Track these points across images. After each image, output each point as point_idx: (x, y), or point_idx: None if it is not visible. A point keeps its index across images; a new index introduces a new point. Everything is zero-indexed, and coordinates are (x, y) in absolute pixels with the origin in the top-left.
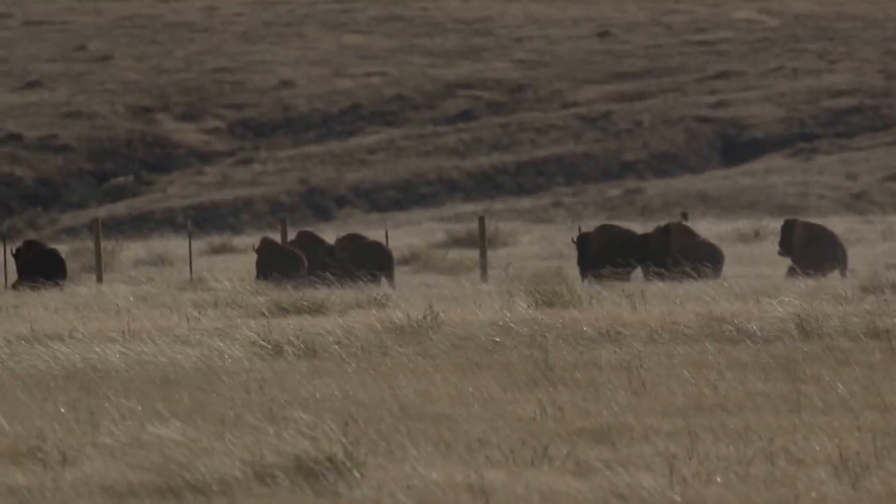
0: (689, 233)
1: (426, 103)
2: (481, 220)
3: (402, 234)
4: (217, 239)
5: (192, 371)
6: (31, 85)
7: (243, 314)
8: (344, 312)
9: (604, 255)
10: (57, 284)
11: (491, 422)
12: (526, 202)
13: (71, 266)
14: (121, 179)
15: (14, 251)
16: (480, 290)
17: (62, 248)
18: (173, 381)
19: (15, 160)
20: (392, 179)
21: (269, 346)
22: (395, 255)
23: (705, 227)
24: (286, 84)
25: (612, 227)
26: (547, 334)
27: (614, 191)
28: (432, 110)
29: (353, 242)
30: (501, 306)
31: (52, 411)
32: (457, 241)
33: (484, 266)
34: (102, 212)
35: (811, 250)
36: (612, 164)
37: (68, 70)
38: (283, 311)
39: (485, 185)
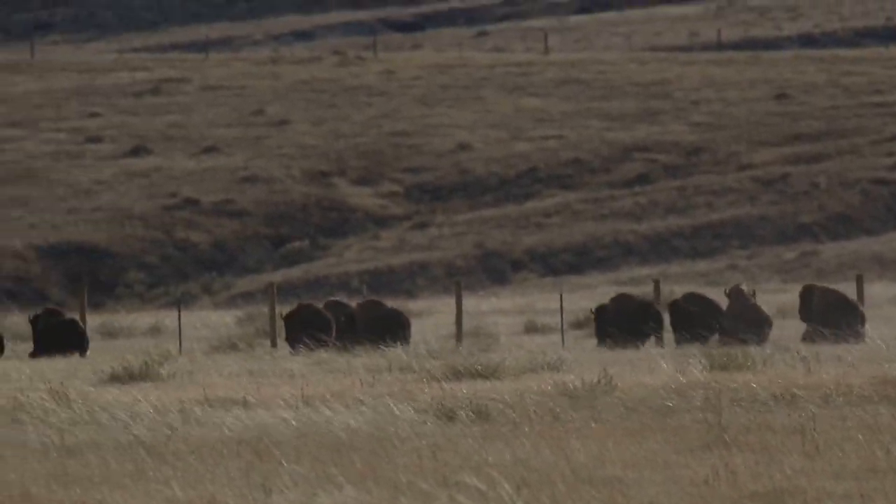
0: (744, 296)
1: (602, 166)
2: (656, 283)
3: (577, 297)
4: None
5: (365, 436)
6: (208, 150)
7: (417, 378)
8: (517, 377)
9: (620, 323)
10: (78, 355)
11: (664, 486)
12: (702, 265)
13: (245, 331)
14: (296, 244)
15: (31, 318)
16: (655, 353)
17: (236, 314)
18: (346, 446)
19: (191, 225)
20: (568, 243)
21: (443, 411)
22: (570, 318)
23: (880, 291)
24: (463, 147)
25: (629, 296)
26: (720, 397)
27: (790, 254)
28: (608, 173)
29: (372, 310)
30: (675, 370)
31: (225, 478)
32: None
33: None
34: (278, 277)
35: (829, 315)
36: (788, 227)
37: (245, 135)
38: (456, 375)
39: (660, 248)
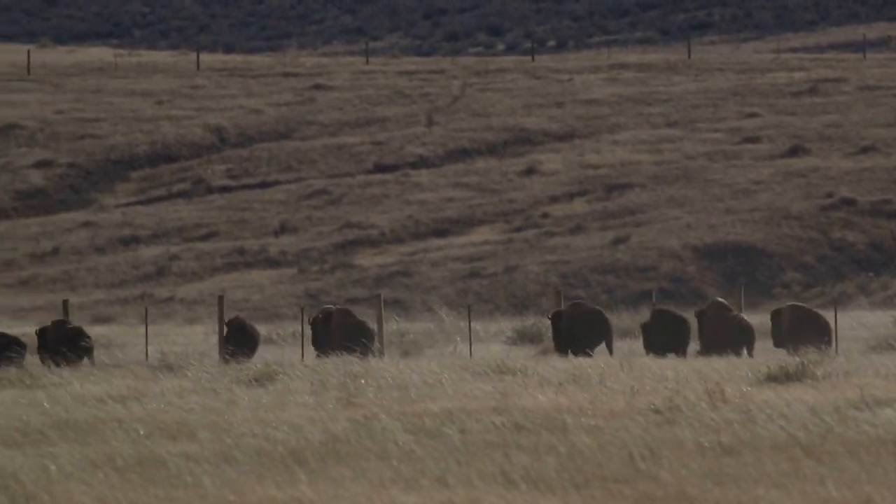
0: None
1: None
2: None
3: None
4: None
5: None
6: (866, 150)
7: None
8: None
9: (574, 331)
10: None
11: None
12: None
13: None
14: None
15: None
16: None
17: (893, 314)
18: None
19: (848, 225)
20: None
21: None
22: None
23: None
24: None
25: (583, 305)
26: None
27: None
28: None
29: (344, 320)
30: None
31: (882, 478)
32: None
33: None
34: None
35: (799, 332)
36: None
37: None
38: None
39: None
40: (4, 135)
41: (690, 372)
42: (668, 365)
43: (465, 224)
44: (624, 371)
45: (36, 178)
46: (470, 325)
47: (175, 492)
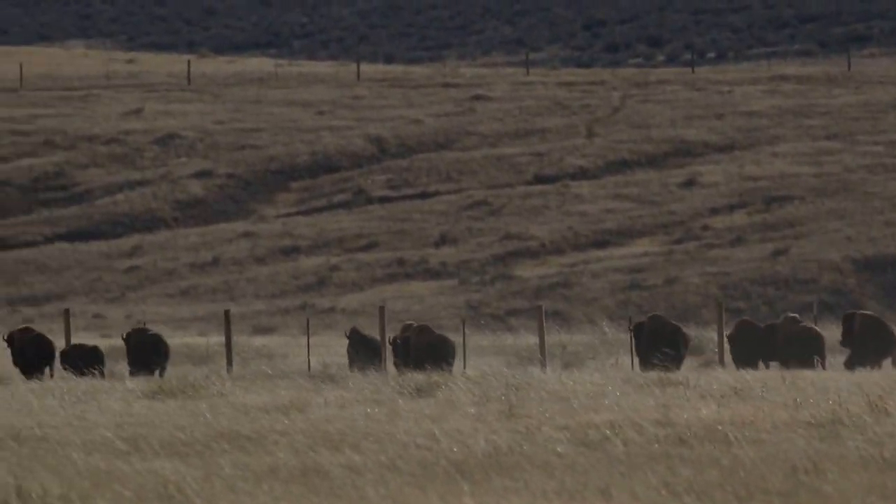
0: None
1: None
2: None
3: None
4: None
5: None
6: None
7: None
8: None
9: (652, 343)
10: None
11: None
12: None
13: None
14: None
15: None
16: None
17: None
18: None
19: None
20: None
21: None
22: None
23: None
24: None
25: (661, 317)
26: None
27: None
28: None
29: (421, 335)
30: None
31: None
32: None
33: None
34: None
35: (869, 341)
36: None
37: None
38: None
39: None
40: (164, 144)
41: (851, 385)
42: (829, 377)
43: (625, 235)
44: (786, 384)
45: (195, 188)
46: (631, 337)
47: (339, 502)
